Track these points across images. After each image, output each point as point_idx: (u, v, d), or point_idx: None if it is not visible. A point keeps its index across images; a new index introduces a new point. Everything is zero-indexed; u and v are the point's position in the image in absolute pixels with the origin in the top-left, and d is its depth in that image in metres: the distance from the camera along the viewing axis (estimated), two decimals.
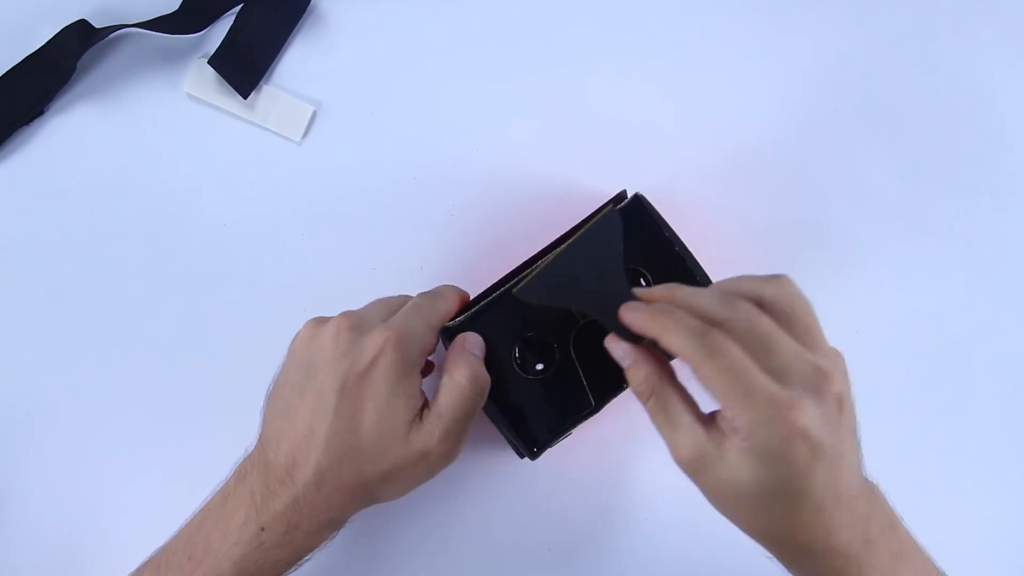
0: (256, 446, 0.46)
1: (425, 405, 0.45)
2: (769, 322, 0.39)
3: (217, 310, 0.58)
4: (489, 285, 0.52)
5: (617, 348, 0.43)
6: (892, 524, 0.43)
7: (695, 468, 0.40)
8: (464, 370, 0.46)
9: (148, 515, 0.56)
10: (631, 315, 0.41)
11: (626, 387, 0.45)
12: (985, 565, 0.57)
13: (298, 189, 0.59)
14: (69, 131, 0.59)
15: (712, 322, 0.39)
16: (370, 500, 0.46)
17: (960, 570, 0.57)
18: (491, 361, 0.49)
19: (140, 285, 0.58)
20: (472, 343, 0.49)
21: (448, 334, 0.51)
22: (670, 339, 0.39)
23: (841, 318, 0.58)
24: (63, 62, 0.58)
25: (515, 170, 0.59)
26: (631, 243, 0.50)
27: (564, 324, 0.49)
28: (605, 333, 0.44)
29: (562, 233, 0.52)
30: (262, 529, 0.43)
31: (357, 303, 0.57)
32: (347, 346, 0.44)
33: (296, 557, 0.45)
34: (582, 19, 0.61)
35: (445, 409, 0.45)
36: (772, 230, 0.59)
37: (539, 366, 0.50)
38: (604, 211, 0.48)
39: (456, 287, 0.51)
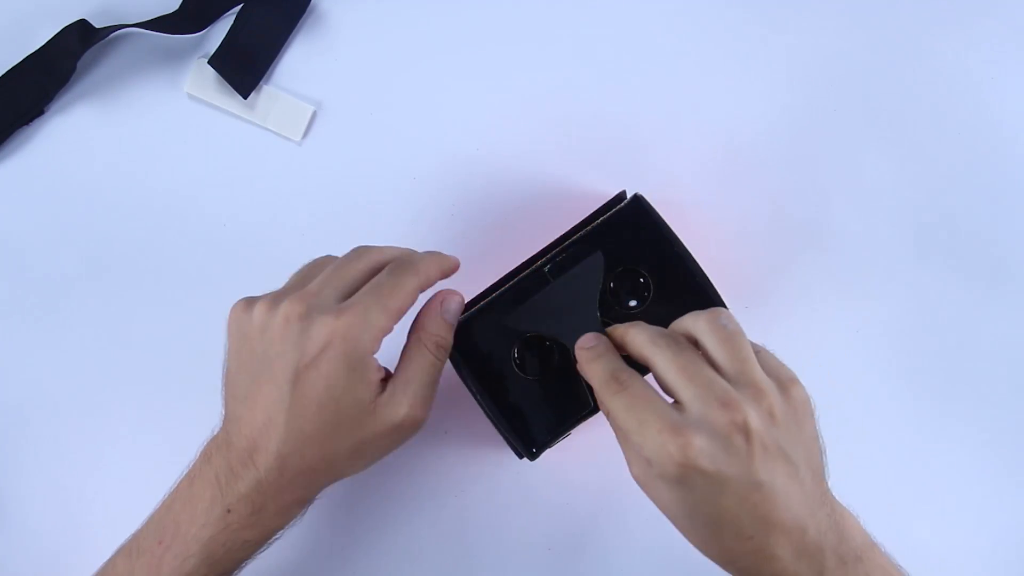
0: (221, 428, 0.46)
1: (387, 376, 0.45)
2: (690, 357, 0.41)
3: (217, 310, 0.58)
4: (489, 285, 0.52)
5: (582, 372, 0.46)
6: (859, 555, 0.42)
7: (641, 486, 0.43)
8: (429, 336, 0.46)
9: (146, 513, 0.56)
10: (577, 353, 0.46)
11: None
12: (985, 564, 0.57)
13: (298, 189, 0.59)
14: (69, 131, 0.59)
15: (642, 359, 0.43)
16: (337, 476, 0.46)
17: (959, 570, 0.57)
18: (490, 361, 0.49)
19: (140, 285, 0.58)
20: (448, 306, 0.47)
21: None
22: (593, 383, 0.44)
23: (841, 318, 0.58)
24: (63, 62, 0.58)
25: (515, 170, 0.59)
26: (631, 243, 0.50)
27: (564, 325, 0.49)
28: None
29: (562, 233, 0.52)
30: (228, 511, 0.43)
31: None
32: (296, 336, 0.43)
33: (265, 536, 0.45)
34: (582, 19, 0.60)
35: (413, 375, 0.45)
36: (772, 230, 0.59)
37: (538, 366, 0.50)
38: (589, 258, 0.50)
39: (441, 254, 0.48)
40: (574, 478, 0.57)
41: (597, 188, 0.57)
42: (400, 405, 0.44)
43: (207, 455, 0.46)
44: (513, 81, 0.60)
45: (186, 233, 0.59)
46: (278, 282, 0.58)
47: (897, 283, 0.58)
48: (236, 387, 0.45)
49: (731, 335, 0.42)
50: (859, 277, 0.58)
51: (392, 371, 0.46)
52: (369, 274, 0.46)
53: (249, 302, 0.46)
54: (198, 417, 0.57)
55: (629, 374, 0.43)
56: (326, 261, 0.48)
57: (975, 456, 0.57)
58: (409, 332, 0.47)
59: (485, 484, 0.57)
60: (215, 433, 0.47)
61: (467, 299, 0.52)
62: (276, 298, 0.45)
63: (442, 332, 0.47)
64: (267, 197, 0.59)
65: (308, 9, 0.60)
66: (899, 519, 0.56)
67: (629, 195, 0.52)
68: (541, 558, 0.56)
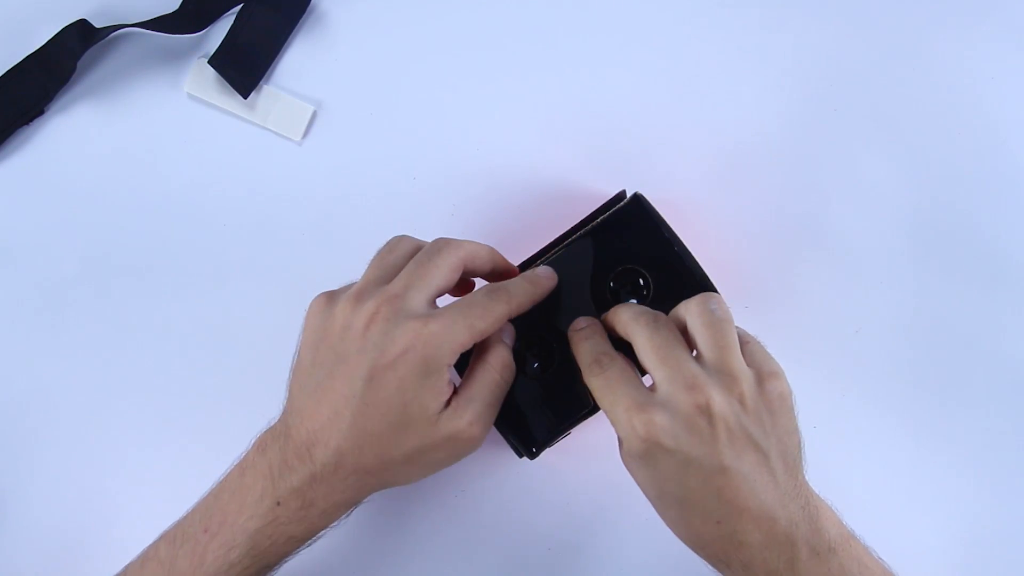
0: (280, 419, 0.46)
1: (454, 392, 0.45)
2: (666, 337, 0.43)
3: (216, 310, 0.58)
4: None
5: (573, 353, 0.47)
6: (832, 548, 0.43)
7: (626, 467, 0.44)
8: (496, 357, 0.46)
9: (148, 512, 0.56)
10: (569, 335, 0.48)
11: None
12: (985, 563, 0.57)
13: (298, 189, 0.59)
14: (69, 131, 0.59)
15: (625, 337, 0.45)
16: (389, 483, 0.46)
17: (959, 569, 0.57)
18: None
19: (140, 285, 0.58)
20: (505, 330, 0.48)
21: None
22: (579, 364, 0.46)
23: (841, 318, 0.58)
24: (63, 62, 0.58)
25: (515, 170, 0.59)
26: (631, 243, 0.50)
27: (564, 324, 0.49)
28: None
29: (562, 233, 0.52)
30: (278, 503, 0.43)
31: None
32: (379, 336, 0.43)
33: (310, 534, 0.45)
34: (582, 18, 0.61)
35: (477, 393, 0.45)
36: (772, 230, 0.59)
37: (538, 365, 0.50)
38: (577, 243, 0.50)
39: (535, 283, 0.48)
40: (574, 478, 0.57)
41: (597, 188, 0.57)
42: (461, 419, 0.44)
43: (262, 446, 0.45)
44: (513, 81, 0.60)
45: (186, 233, 0.59)
46: (278, 281, 0.58)
47: (897, 283, 0.58)
48: (307, 380, 0.45)
49: (716, 321, 0.43)
50: (859, 277, 0.58)
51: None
52: (452, 274, 0.46)
53: (330, 298, 0.46)
54: (199, 415, 0.57)
55: (611, 357, 0.45)
56: (403, 245, 0.47)
57: (975, 456, 0.57)
58: (473, 356, 0.47)
59: (485, 484, 0.57)
60: (272, 424, 0.46)
61: None
62: (360, 295, 0.44)
63: (507, 354, 0.47)
64: (267, 197, 0.59)
65: (308, 9, 0.60)
66: (898, 518, 0.56)
67: (629, 195, 0.52)
68: (541, 558, 0.56)
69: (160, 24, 0.59)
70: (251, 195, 0.59)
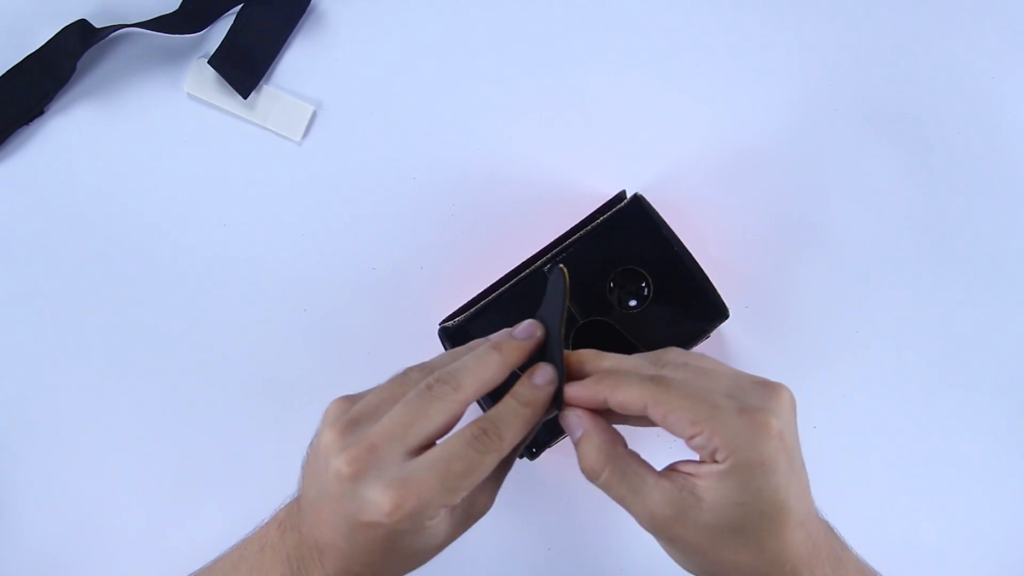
0: (295, 501, 0.44)
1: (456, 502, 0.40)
2: (703, 356, 0.41)
3: (217, 310, 0.58)
4: (489, 285, 0.52)
5: (571, 416, 0.41)
6: (839, 556, 0.42)
7: (671, 523, 0.39)
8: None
9: (143, 518, 0.56)
10: (577, 391, 0.41)
11: None
12: (985, 563, 0.57)
13: (298, 189, 0.59)
14: (69, 131, 0.59)
15: (637, 404, 0.39)
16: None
17: (959, 569, 0.57)
18: None
19: (140, 285, 0.58)
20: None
21: (447, 334, 0.51)
22: (623, 391, 0.39)
23: (841, 318, 0.58)
24: (63, 62, 0.58)
25: (515, 170, 0.59)
26: (631, 243, 0.50)
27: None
28: (602, 335, 0.48)
29: (562, 233, 0.52)
30: None
31: (357, 303, 0.57)
32: (349, 496, 0.39)
33: None
34: (582, 19, 0.60)
35: (479, 511, 0.42)
36: (772, 230, 0.59)
37: None
38: (553, 268, 0.46)
39: (531, 410, 0.40)
40: (574, 478, 0.56)
41: (597, 188, 0.57)
42: (468, 527, 0.42)
43: (281, 525, 0.43)
44: (513, 81, 0.60)
45: (186, 233, 0.59)
46: (278, 281, 0.58)
47: (897, 283, 0.58)
48: (310, 485, 0.42)
49: (701, 372, 0.40)
50: (859, 277, 0.58)
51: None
52: (445, 426, 0.39)
53: (337, 410, 0.41)
54: (197, 415, 0.57)
55: (670, 373, 0.40)
56: (410, 380, 0.41)
57: (975, 456, 0.57)
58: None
59: None
60: (289, 502, 0.44)
61: (466, 299, 0.52)
62: (347, 429, 0.39)
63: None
64: (267, 197, 0.59)
65: (308, 9, 0.60)
66: (900, 518, 0.56)
67: (629, 195, 0.52)
68: (541, 558, 0.56)
69: (160, 24, 0.59)
70: (251, 195, 0.59)
